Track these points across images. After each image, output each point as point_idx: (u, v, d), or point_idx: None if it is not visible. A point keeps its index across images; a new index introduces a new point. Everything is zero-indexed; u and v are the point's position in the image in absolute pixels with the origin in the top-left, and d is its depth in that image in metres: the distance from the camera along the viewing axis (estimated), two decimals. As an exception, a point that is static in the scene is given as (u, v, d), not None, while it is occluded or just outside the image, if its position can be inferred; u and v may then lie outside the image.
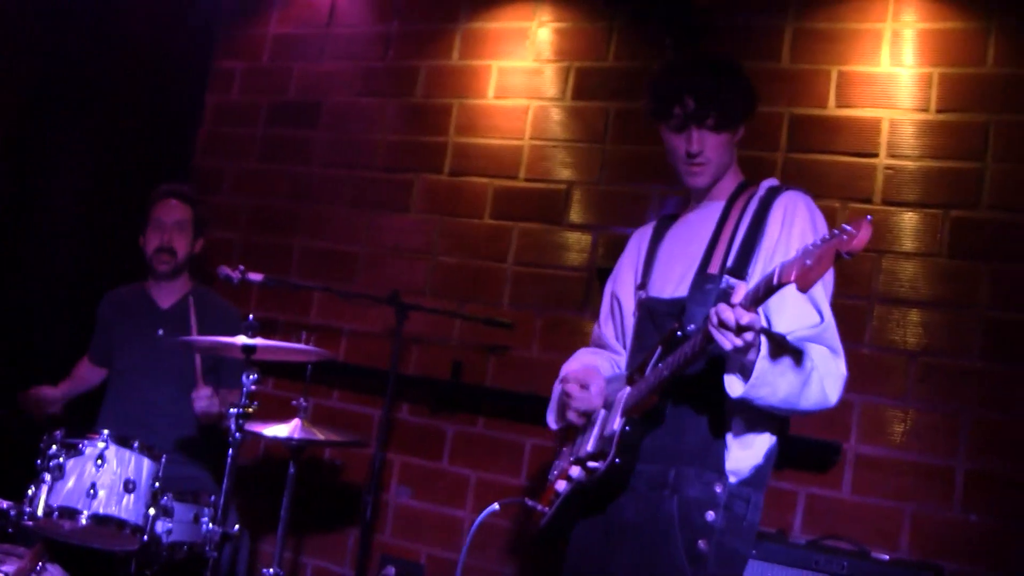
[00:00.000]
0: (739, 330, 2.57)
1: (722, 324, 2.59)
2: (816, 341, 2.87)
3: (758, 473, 2.99)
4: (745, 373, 2.74)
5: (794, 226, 3.01)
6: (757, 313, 2.58)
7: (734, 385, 2.77)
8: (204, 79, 6.34)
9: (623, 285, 3.44)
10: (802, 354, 2.77)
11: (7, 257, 5.31)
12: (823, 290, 2.94)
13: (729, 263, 3.01)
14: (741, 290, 2.59)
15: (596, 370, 3.32)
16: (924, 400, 4.34)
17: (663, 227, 3.41)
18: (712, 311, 2.62)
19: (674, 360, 2.84)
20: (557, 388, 3.38)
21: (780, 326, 2.88)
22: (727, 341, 2.61)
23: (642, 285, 3.29)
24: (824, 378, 2.82)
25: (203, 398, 4.39)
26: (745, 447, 2.98)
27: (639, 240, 3.48)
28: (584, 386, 3.21)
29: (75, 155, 5.59)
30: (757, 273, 2.94)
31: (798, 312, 2.89)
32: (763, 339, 2.70)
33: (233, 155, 6.15)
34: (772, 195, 3.12)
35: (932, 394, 4.34)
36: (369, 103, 5.82)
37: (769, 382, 2.72)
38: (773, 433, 3.03)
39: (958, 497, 4.22)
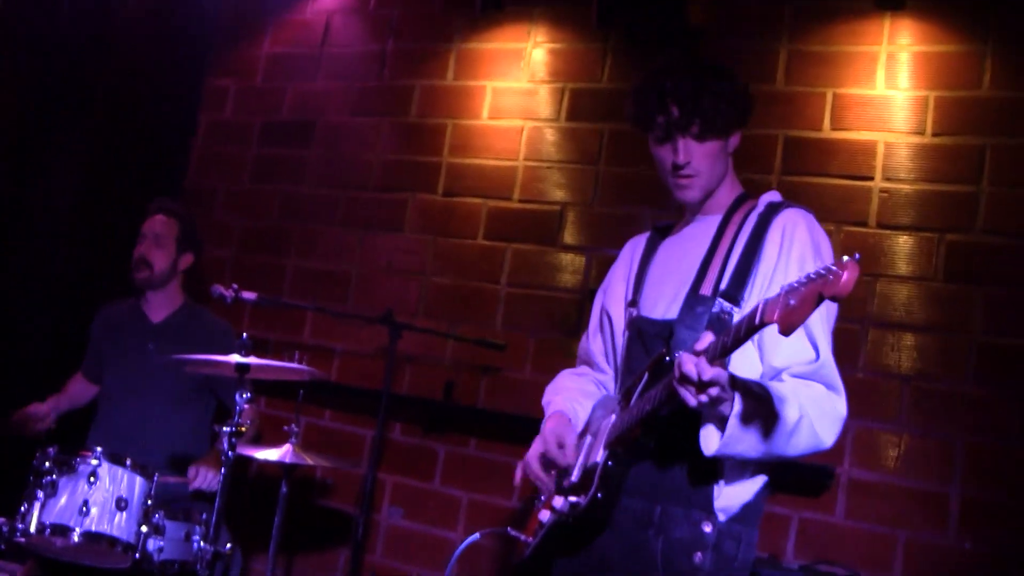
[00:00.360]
0: (701, 386, 2.40)
1: (684, 378, 2.42)
2: (812, 378, 2.68)
3: (748, 510, 2.81)
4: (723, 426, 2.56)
5: (793, 248, 2.81)
6: (724, 366, 2.43)
7: (709, 440, 2.59)
8: (198, 97, 6.34)
9: (613, 299, 3.21)
10: (787, 402, 2.57)
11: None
12: (822, 322, 2.72)
13: (723, 285, 2.81)
14: (705, 340, 2.41)
15: (569, 422, 3.10)
16: (918, 425, 4.34)
17: (657, 239, 3.19)
18: (676, 362, 2.43)
19: (653, 396, 2.67)
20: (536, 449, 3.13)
21: (775, 362, 2.73)
22: (691, 397, 2.43)
23: (633, 302, 3.07)
24: (816, 421, 2.61)
25: (202, 479, 4.38)
26: (736, 484, 2.79)
27: (632, 251, 3.27)
28: (560, 444, 3.00)
29: (67, 170, 5.60)
30: (753, 297, 2.77)
31: (794, 347, 2.69)
32: (737, 393, 2.52)
33: (226, 173, 6.15)
34: (772, 212, 2.91)
35: (926, 419, 4.33)
36: (363, 123, 5.82)
37: (744, 439, 2.56)
38: (767, 473, 2.85)
39: (952, 523, 4.21)
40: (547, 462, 3.04)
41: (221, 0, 5.99)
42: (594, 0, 5.11)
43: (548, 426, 3.10)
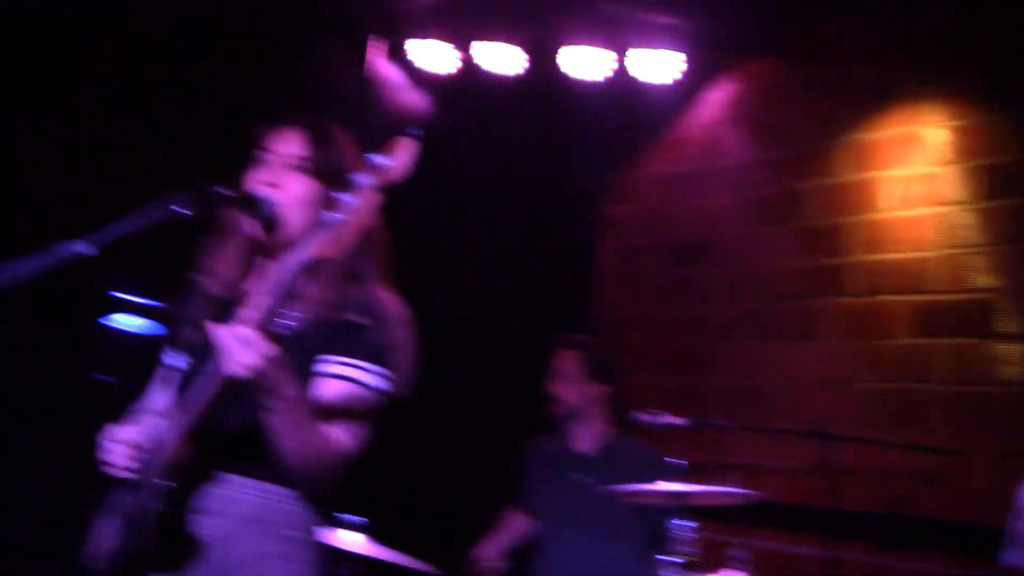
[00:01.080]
0: None
1: None
2: None
3: None
4: None
5: None
6: None
7: None
8: (592, 224, 6.50)
9: None
10: None
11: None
12: None
13: None
14: None
15: None
16: None
17: None
18: None
19: None
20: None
21: None
22: None
23: None
24: None
25: None
26: None
27: None
28: None
29: (475, 316, 5.83)
30: None
31: None
32: None
33: (631, 298, 6.24)
34: None
35: None
36: (760, 231, 5.72)
37: None
38: None
39: None
40: None
41: (603, 129, 6.11)
42: (987, 69, 4.80)
43: None
